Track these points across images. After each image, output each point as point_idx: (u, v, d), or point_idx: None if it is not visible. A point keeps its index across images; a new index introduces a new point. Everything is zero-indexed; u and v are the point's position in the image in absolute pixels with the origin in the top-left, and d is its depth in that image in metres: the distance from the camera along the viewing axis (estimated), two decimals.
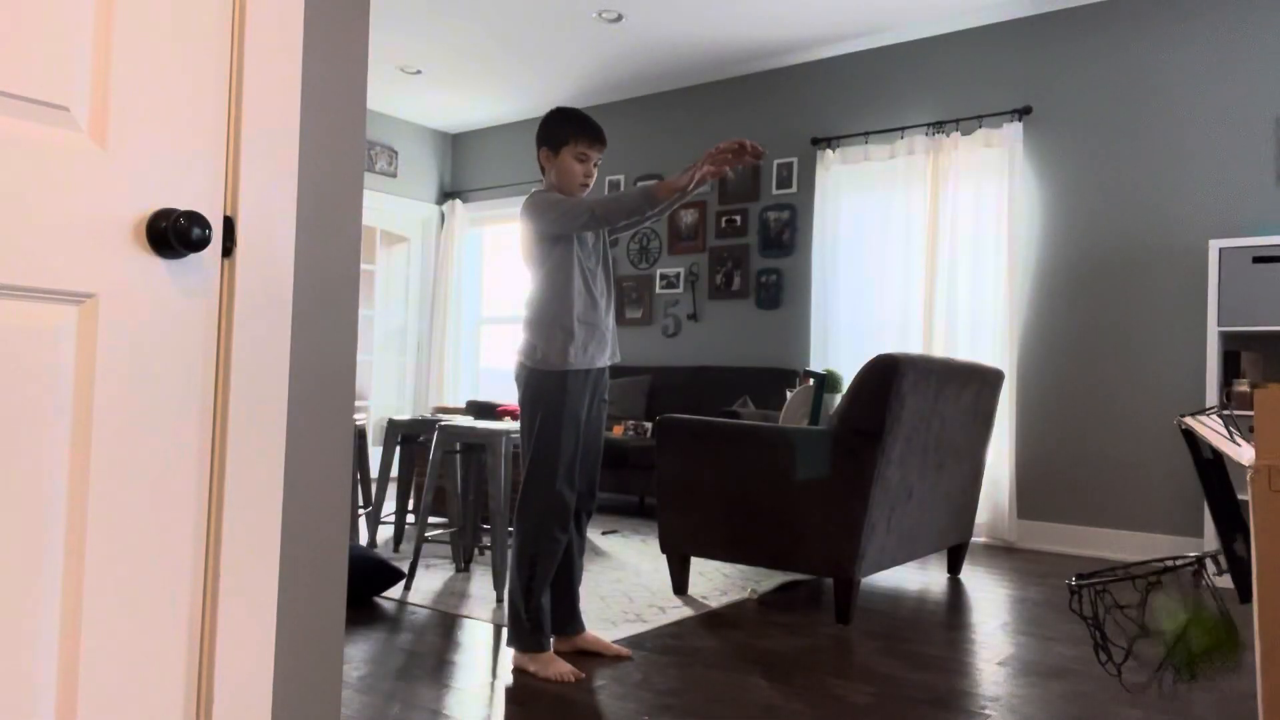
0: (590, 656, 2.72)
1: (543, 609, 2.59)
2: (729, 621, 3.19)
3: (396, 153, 7.48)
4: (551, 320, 2.58)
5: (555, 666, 2.53)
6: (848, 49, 5.76)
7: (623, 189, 2.50)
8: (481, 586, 3.59)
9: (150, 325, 1.16)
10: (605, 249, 2.74)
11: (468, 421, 3.89)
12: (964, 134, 5.26)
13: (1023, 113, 5.08)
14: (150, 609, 1.17)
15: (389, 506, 5.94)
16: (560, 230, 2.57)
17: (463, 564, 3.91)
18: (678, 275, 6.46)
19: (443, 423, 3.73)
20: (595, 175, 2.70)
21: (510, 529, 3.53)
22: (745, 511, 3.37)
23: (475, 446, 4.00)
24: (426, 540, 3.58)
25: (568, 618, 2.74)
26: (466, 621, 3.09)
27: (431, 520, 5.22)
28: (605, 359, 2.67)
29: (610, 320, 2.70)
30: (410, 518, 5.23)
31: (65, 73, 1.10)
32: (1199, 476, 1.95)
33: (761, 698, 2.40)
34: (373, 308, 7.50)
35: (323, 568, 1.39)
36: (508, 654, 2.73)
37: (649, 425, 5.63)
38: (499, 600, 3.33)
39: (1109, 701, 2.46)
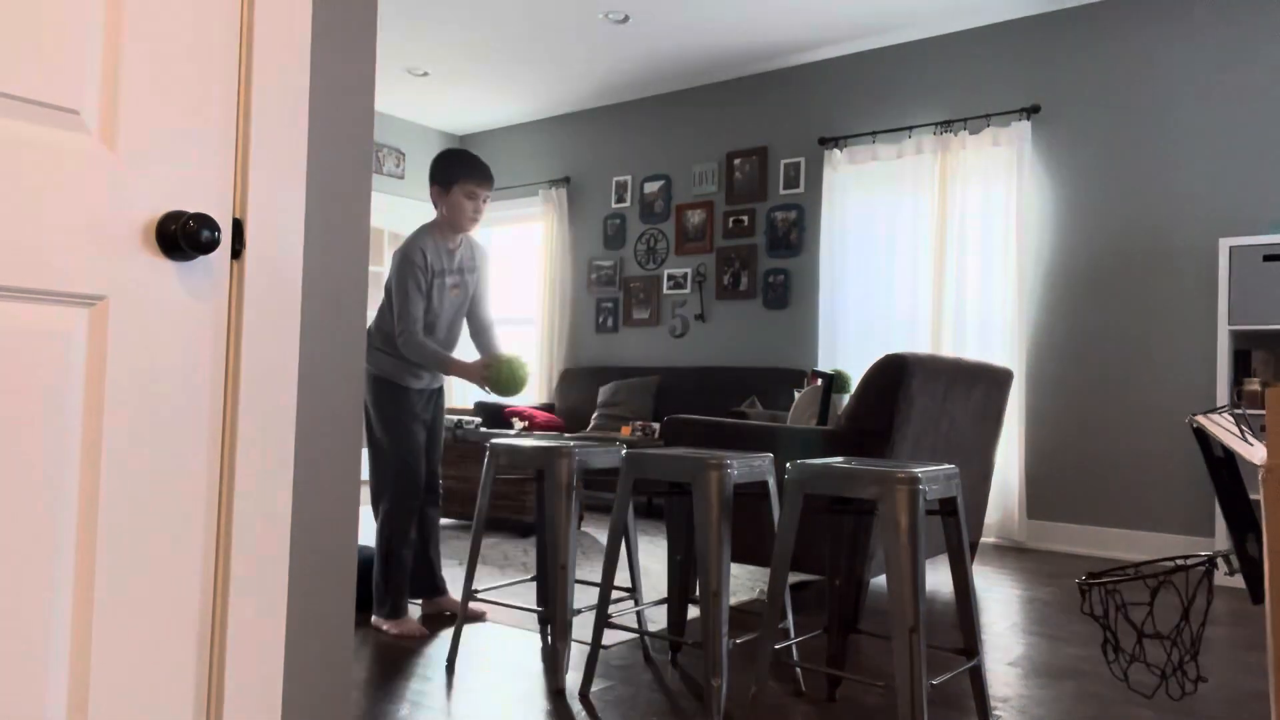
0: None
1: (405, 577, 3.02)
2: (737, 622, 3.18)
3: (404, 154, 7.50)
4: None
5: (408, 626, 2.92)
6: (855, 48, 5.75)
7: (438, 350, 3.01)
8: None
9: (160, 327, 1.17)
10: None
11: (527, 440, 3.37)
12: (972, 133, 5.25)
13: (1031, 111, 5.06)
14: (161, 610, 1.17)
15: None
16: (394, 322, 2.97)
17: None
18: (685, 276, 6.46)
19: (494, 442, 3.29)
20: (484, 212, 3.04)
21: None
22: (752, 513, 3.36)
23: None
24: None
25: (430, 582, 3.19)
26: (477, 623, 3.09)
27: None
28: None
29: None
30: None
31: (75, 76, 1.10)
32: (1210, 475, 1.94)
33: (769, 698, 2.40)
34: None
35: (332, 568, 1.39)
36: (513, 654, 2.73)
37: (656, 426, 5.63)
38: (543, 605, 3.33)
39: (1120, 702, 2.45)
